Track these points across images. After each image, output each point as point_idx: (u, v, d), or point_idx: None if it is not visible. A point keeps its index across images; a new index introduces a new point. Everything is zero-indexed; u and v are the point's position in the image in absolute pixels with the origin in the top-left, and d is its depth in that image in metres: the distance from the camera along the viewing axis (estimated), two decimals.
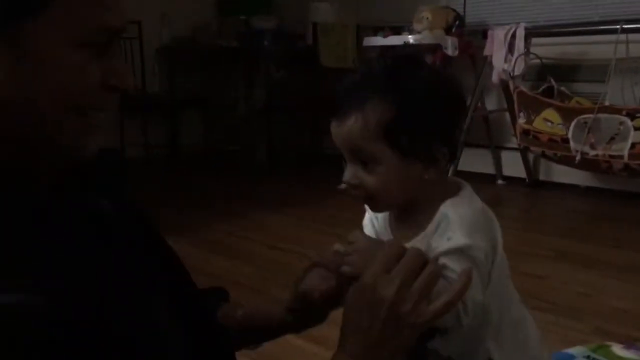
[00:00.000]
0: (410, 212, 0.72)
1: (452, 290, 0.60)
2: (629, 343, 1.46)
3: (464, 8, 3.50)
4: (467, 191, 0.73)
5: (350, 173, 0.69)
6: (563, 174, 3.19)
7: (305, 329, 0.80)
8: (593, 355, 1.38)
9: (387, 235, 0.76)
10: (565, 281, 2.02)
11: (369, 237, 0.72)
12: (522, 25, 2.87)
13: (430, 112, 0.68)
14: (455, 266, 0.65)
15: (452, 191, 0.71)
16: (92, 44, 0.51)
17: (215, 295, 0.83)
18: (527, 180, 3.33)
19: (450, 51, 3.04)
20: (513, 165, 3.38)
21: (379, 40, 3.20)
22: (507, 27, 2.92)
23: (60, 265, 0.48)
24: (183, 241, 2.48)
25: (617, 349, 1.42)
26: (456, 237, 0.67)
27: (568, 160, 2.67)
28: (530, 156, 3.27)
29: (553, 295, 1.85)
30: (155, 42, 4.16)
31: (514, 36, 2.88)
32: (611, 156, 2.50)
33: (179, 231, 2.61)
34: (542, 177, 3.38)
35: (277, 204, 3.08)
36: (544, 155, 2.85)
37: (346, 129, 0.68)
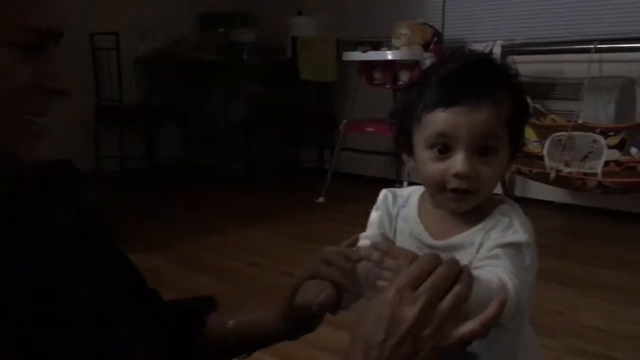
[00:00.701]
0: (457, 213, 0.74)
1: (479, 319, 0.58)
2: None
3: (442, 25, 3.54)
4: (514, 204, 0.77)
5: (469, 163, 0.69)
6: (539, 191, 3.22)
7: (300, 336, 0.78)
8: None
9: (422, 235, 0.76)
10: (540, 299, 1.99)
11: (409, 252, 0.67)
12: (499, 43, 2.91)
13: (528, 108, 0.76)
14: (507, 263, 0.66)
15: (498, 199, 0.75)
16: (18, 43, 0.50)
17: (203, 304, 0.82)
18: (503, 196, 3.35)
19: None
20: None
21: (358, 55, 3.22)
22: (484, 44, 2.95)
23: (11, 263, 0.49)
24: (157, 255, 2.45)
25: None
26: (521, 233, 0.69)
27: (543, 178, 2.70)
28: (508, 172, 3.30)
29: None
30: (133, 54, 4.13)
31: (491, 54, 2.91)
32: (585, 174, 2.53)
33: (153, 245, 2.58)
34: (518, 193, 3.41)
35: (255, 219, 3.06)
36: (519, 172, 2.88)
37: (482, 115, 0.68)
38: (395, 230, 0.79)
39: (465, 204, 0.72)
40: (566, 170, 2.59)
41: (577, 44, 2.84)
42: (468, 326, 0.58)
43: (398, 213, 0.79)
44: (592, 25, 3.05)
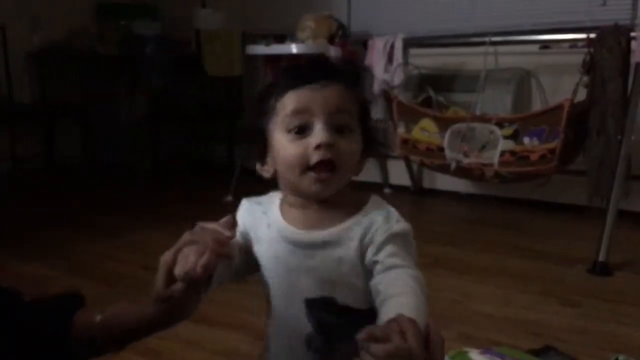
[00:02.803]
0: (322, 207, 0.74)
1: None
2: (485, 348, 1.47)
3: (348, 18, 3.53)
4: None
5: (327, 133, 0.70)
6: (445, 182, 3.28)
7: (174, 322, 0.75)
8: None
9: (292, 235, 0.74)
10: (439, 288, 2.03)
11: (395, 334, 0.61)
12: (400, 36, 2.92)
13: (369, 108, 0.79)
14: (405, 256, 0.69)
15: (364, 193, 0.76)
16: None
17: (69, 302, 0.78)
18: (412, 189, 3.39)
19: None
20: (399, 174, 3.43)
21: (261, 49, 3.14)
22: (386, 37, 2.96)
23: None
24: (45, 263, 2.28)
25: (474, 355, 1.43)
26: (403, 221, 0.72)
27: (444, 169, 2.74)
28: (414, 165, 3.34)
29: None
30: (25, 47, 3.85)
31: (393, 47, 2.92)
32: (483, 164, 2.58)
33: (42, 252, 2.41)
34: (426, 185, 3.46)
35: (156, 220, 2.92)
36: (422, 164, 2.91)
37: (334, 90, 0.71)
38: (257, 240, 0.77)
39: (329, 185, 0.71)
40: (465, 160, 2.63)
41: (473, 36, 2.90)
42: None
43: (257, 222, 0.77)
44: (489, 19, 3.13)
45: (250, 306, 1.79)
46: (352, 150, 0.71)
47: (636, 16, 2.74)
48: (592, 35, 2.32)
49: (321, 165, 0.69)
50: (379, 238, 0.70)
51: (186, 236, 0.70)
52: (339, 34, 3.20)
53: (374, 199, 0.75)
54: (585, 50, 2.33)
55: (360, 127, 0.73)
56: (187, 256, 0.67)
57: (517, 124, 2.51)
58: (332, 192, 0.72)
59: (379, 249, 0.69)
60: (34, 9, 3.85)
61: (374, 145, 0.79)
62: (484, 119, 2.63)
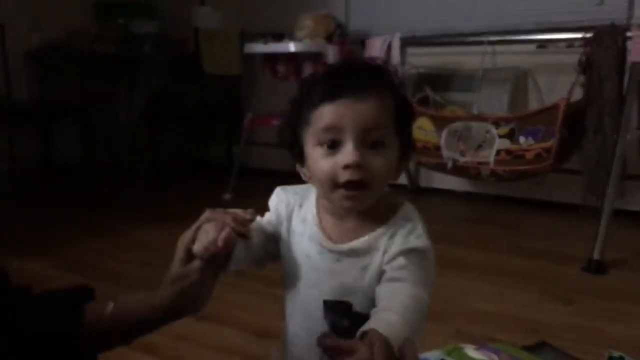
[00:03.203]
0: (357, 218, 0.74)
1: None
2: (481, 344, 1.49)
3: (347, 17, 3.55)
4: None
5: (357, 153, 0.68)
6: (442, 180, 3.30)
7: (184, 312, 0.74)
8: (447, 358, 1.40)
9: (322, 239, 0.75)
10: (436, 285, 2.04)
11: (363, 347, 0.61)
12: (397, 35, 2.94)
13: (412, 107, 0.77)
14: (412, 268, 0.68)
15: (397, 201, 0.75)
16: None
17: (79, 295, 0.77)
18: (409, 187, 3.41)
19: (331, 59, 3.05)
20: None
21: (259, 47, 3.15)
22: (384, 37, 2.97)
23: None
24: (45, 262, 2.29)
25: (470, 351, 1.44)
26: (424, 238, 0.71)
27: (440, 167, 2.75)
28: (411, 163, 3.36)
29: None
30: (24, 46, 3.85)
31: (390, 46, 2.94)
32: (479, 163, 2.60)
33: (44, 251, 2.42)
34: (423, 183, 3.48)
35: (156, 219, 2.93)
36: (419, 162, 2.93)
37: (366, 106, 0.69)
38: (290, 232, 0.77)
39: (359, 202, 0.71)
40: (462, 159, 2.65)
41: (470, 36, 2.92)
42: None
43: (292, 214, 0.78)
44: (488, 18, 3.14)
45: (247, 303, 1.81)
46: (384, 167, 0.70)
47: (632, 16, 2.76)
48: (589, 35, 2.33)
49: (350, 185, 0.69)
50: (395, 249, 0.70)
51: (206, 214, 0.71)
52: (337, 33, 3.21)
53: (406, 208, 0.75)
54: (582, 49, 2.35)
55: (398, 135, 0.72)
56: (206, 231, 0.68)
57: (514, 123, 2.53)
58: (364, 206, 0.72)
59: (390, 259, 0.70)
60: (33, 8, 3.85)
61: (412, 150, 0.77)
62: (480, 118, 2.64)
